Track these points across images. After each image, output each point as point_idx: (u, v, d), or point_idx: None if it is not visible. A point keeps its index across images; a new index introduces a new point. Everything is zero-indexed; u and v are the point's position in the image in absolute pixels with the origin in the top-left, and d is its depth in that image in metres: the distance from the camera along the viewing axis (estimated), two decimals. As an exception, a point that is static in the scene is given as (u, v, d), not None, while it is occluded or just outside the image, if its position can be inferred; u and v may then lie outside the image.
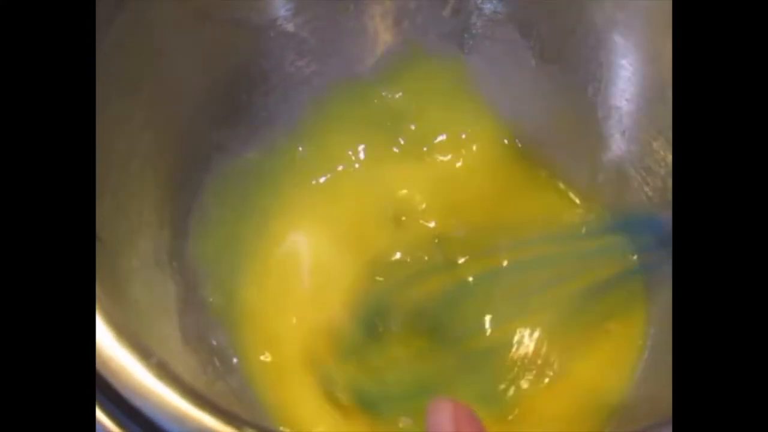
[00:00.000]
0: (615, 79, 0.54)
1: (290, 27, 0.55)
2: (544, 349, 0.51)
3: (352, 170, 0.58)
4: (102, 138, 0.44)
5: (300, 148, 0.58)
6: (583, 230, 0.53)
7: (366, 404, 0.49)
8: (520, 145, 0.58)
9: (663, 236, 0.44)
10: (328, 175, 0.58)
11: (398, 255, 0.55)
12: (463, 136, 0.59)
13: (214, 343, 0.50)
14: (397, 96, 0.59)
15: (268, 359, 0.51)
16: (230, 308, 0.52)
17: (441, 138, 0.59)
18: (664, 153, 0.53)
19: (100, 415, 0.35)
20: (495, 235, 0.53)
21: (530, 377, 0.50)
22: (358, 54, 0.58)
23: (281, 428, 0.48)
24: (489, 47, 0.57)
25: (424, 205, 0.57)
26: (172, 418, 0.33)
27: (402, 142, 0.58)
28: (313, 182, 0.57)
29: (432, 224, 0.56)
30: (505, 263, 0.52)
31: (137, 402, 0.33)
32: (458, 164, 0.59)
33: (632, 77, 0.53)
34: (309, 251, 0.55)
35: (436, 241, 0.55)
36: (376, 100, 0.58)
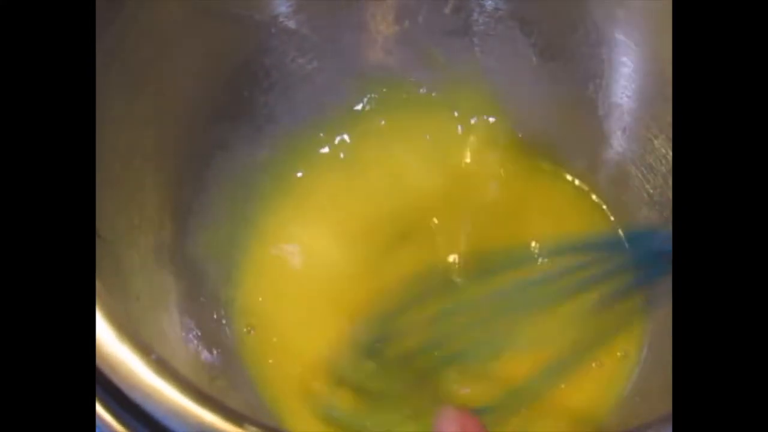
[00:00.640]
0: (616, 77, 0.54)
1: (291, 24, 0.55)
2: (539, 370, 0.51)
3: (357, 169, 0.58)
4: (103, 134, 0.44)
5: (303, 146, 0.58)
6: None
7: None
8: (522, 141, 0.58)
9: (662, 251, 0.44)
10: (332, 174, 0.58)
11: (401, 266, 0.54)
12: (466, 132, 0.59)
13: (215, 340, 0.50)
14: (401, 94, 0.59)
15: (269, 359, 0.51)
16: (231, 306, 0.52)
17: (444, 134, 0.59)
18: (665, 151, 0.52)
19: (100, 410, 0.35)
20: (499, 249, 0.53)
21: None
22: (360, 51, 0.58)
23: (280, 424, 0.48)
24: (490, 44, 0.57)
25: (434, 219, 0.57)
26: (172, 413, 0.32)
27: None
28: (317, 180, 0.57)
29: (438, 236, 0.56)
30: (507, 283, 0.51)
31: (137, 398, 0.33)
32: (463, 163, 0.58)
33: (633, 75, 0.53)
34: (312, 251, 0.55)
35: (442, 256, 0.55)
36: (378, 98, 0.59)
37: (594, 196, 0.57)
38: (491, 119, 0.59)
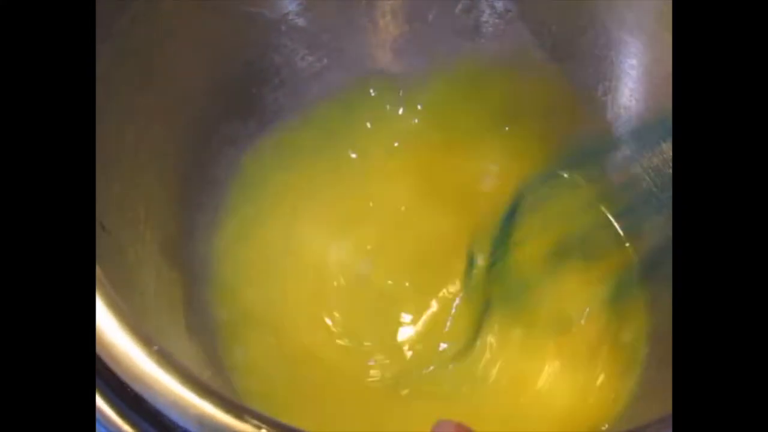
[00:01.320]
0: (625, 79, 0.54)
1: (301, 22, 0.55)
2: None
3: (363, 168, 0.58)
4: (111, 129, 0.44)
5: (311, 143, 0.58)
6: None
7: None
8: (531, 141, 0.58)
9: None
10: (339, 172, 0.58)
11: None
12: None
13: (218, 338, 0.51)
14: (406, 93, 0.59)
15: (270, 359, 0.51)
16: (235, 304, 0.52)
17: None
18: (672, 153, 0.52)
19: (100, 402, 0.35)
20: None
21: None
22: (369, 50, 0.58)
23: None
24: (500, 45, 0.57)
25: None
26: (173, 405, 0.33)
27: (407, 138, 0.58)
28: (321, 179, 0.57)
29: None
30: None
31: (138, 389, 0.33)
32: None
33: (641, 77, 0.53)
34: (320, 249, 0.55)
35: None
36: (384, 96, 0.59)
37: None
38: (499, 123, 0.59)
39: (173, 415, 0.33)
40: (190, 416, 0.32)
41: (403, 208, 0.56)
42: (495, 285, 0.52)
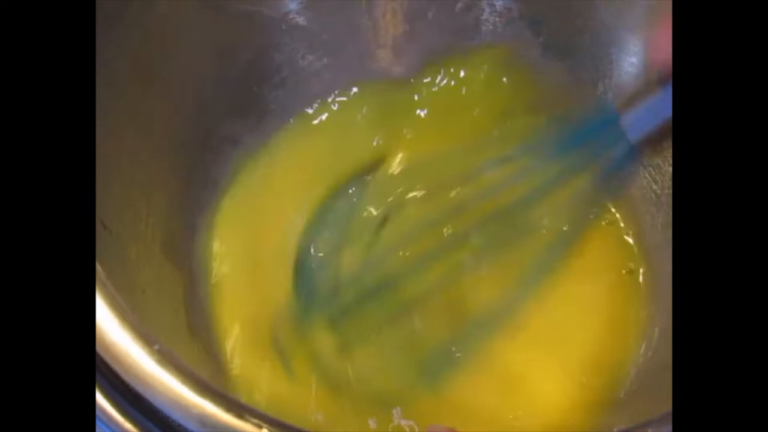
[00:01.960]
0: (624, 77, 0.54)
1: (302, 20, 0.55)
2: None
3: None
4: (111, 128, 0.44)
5: (312, 142, 0.58)
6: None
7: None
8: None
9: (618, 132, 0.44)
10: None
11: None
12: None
13: (218, 337, 0.51)
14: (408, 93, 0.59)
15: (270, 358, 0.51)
16: (236, 303, 0.53)
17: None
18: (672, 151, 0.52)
19: (102, 401, 0.35)
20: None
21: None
22: (370, 48, 0.58)
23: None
24: (500, 43, 0.57)
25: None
26: (174, 404, 0.33)
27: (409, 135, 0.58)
28: (323, 178, 0.58)
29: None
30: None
31: (139, 388, 0.33)
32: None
33: (642, 74, 0.53)
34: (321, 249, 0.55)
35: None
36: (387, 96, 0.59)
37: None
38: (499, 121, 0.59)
39: (174, 414, 0.33)
40: (191, 415, 0.33)
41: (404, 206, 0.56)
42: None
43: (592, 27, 0.54)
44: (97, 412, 0.35)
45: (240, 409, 0.32)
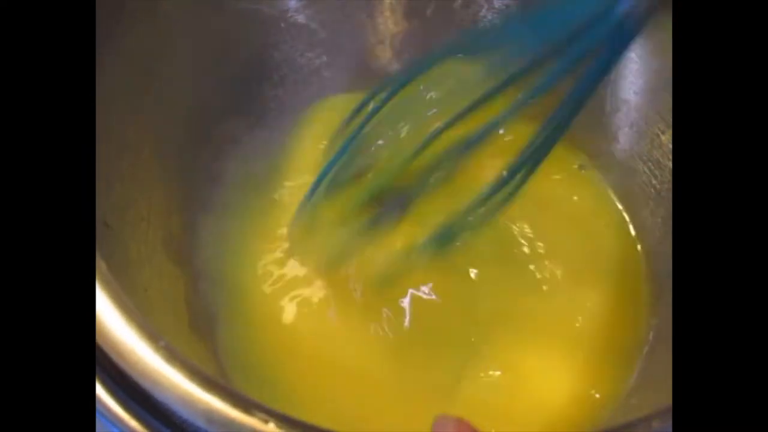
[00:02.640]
0: (624, 72, 0.54)
1: (301, 18, 0.55)
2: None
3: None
4: (112, 127, 0.44)
5: (311, 141, 0.58)
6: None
7: None
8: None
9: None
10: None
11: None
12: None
13: (220, 334, 0.51)
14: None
15: (273, 354, 0.51)
16: (238, 304, 0.53)
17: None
18: (671, 146, 0.52)
19: (107, 399, 0.35)
20: None
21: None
22: (369, 45, 0.58)
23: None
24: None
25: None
26: (180, 400, 0.33)
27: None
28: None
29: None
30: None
31: (145, 384, 0.33)
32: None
33: (641, 70, 0.53)
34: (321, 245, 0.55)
35: None
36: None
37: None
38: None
39: (181, 410, 0.33)
40: (197, 411, 0.32)
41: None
42: None
43: (591, 23, 0.54)
44: (102, 410, 0.35)
45: (247, 405, 0.32)
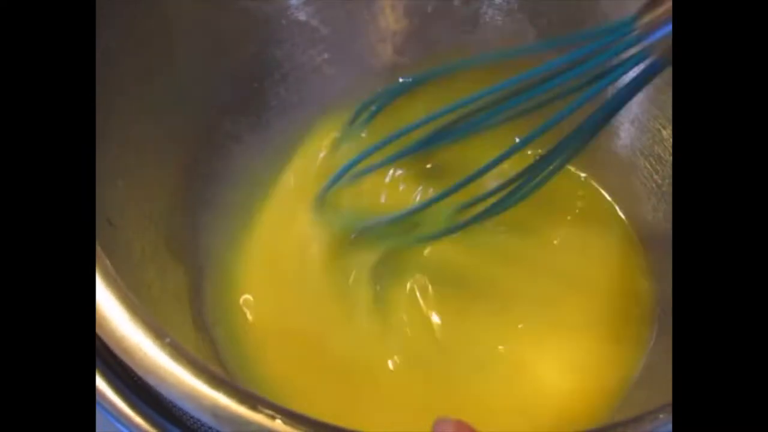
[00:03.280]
0: (625, 68, 0.54)
1: (302, 15, 0.55)
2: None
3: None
4: (115, 125, 0.44)
5: (314, 138, 0.58)
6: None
7: None
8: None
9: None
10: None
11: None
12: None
13: (224, 333, 0.51)
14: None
15: (273, 348, 0.51)
16: (240, 301, 0.53)
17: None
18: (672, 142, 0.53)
19: (113, 396, 0.35)
20: None
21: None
22: (370, 42, 0.58)
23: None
24: (499, 36, 0.57)
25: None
26: (187, 397, 0.33)
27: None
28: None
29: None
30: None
31: (152, 381, 0.33)
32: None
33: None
34: (324, 245, 0.55)
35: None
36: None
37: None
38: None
39: (187, 407, 0.33)
40: (204, 407, 0.33)
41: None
42: None
43: (592, 19, 0.54)
44: (108, 407, 0.36)
45: (253, 401, 0.32)
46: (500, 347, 0.51)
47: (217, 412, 0.32)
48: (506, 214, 0.51)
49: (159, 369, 0.33)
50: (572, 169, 0.57)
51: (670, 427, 0.33)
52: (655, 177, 0.54)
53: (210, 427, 0.34)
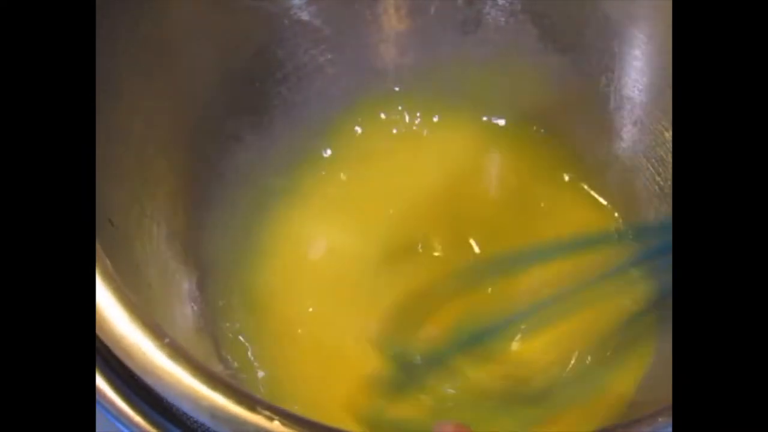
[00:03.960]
0: (628, 70, 0.54)
1: (304, 15, 0.55)
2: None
3: (369, 163, 0.58)
4: (116, 125, 0.44)
5: (316, 139, 0.58)
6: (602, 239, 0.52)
7: None
8: (533, 135, 0.58)
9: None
10: (344, 165, 0.58)
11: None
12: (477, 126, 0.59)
13: (224, 331, 0.51)
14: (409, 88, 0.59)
15: (281, 353, 0.51)
16: (242, 301, 0.53)
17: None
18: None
19: (112, 395, 0.35)
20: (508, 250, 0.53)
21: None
22: (372, 43, 0.58)
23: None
24: (502, 37, 0.57)
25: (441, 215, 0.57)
26: (185, 397, 0.33)
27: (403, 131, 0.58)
28: (330, 174, 0.58)
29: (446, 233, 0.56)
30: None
31: (150, 381, 0.33)
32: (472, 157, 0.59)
33: (645, 68, 0.53)
34: (325, 244, 0.55)
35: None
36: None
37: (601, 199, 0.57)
38: (502, 115, 0.59)
39: (185, 407, 0.33)
40: (202, 408, 0.32)
41: (407, 204, 0.57)
42: None
43: (595, 20, 0.54)
44: (107, 406, 0.36)
45: (251, 402, 0.32)
46: (506, 348, 0.50)
47: (215, 412, 0.32)
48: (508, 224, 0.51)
49: (157, 369, 0.33)
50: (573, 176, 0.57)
51: (669, 429, 0.33)
52: (658, 179, 0.54)
53: (210, 428, 0.34)
